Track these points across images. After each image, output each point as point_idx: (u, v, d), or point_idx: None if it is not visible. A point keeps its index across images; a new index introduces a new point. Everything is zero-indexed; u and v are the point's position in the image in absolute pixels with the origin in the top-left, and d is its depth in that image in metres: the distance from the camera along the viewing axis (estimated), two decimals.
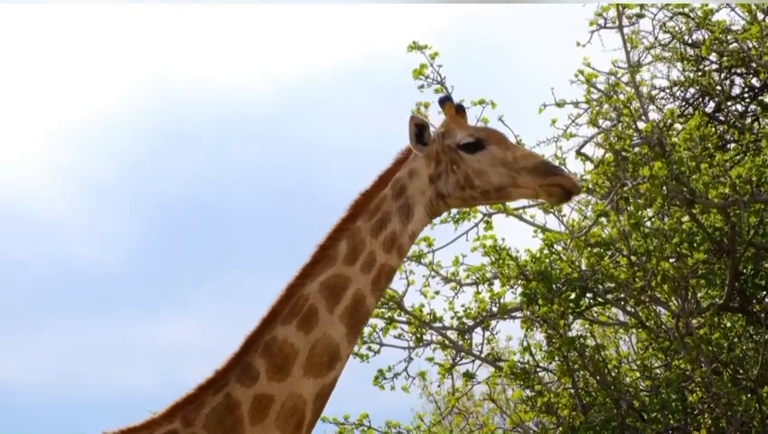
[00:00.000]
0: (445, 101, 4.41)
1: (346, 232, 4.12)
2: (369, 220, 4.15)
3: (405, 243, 4.20)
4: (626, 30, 8.69)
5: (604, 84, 8.69)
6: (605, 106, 8.41)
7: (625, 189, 7.90)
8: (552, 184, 4.18)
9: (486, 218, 8.70)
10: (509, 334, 8.88)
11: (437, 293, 8.89)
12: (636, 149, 7.97)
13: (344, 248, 4.09)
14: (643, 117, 8.46)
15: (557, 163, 7.80)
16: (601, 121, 8.44)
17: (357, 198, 4.23)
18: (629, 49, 8.65)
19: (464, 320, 8.84)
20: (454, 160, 4.25)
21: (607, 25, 8.68)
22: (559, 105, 8.79)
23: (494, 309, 8.79)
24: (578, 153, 8.24)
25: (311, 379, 3.96)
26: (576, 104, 8.79)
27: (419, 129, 4.28)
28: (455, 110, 4.39)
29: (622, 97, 8.47)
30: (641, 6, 9.37)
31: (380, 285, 4.14)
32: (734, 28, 9.65)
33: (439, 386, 9.30)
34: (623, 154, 7.84)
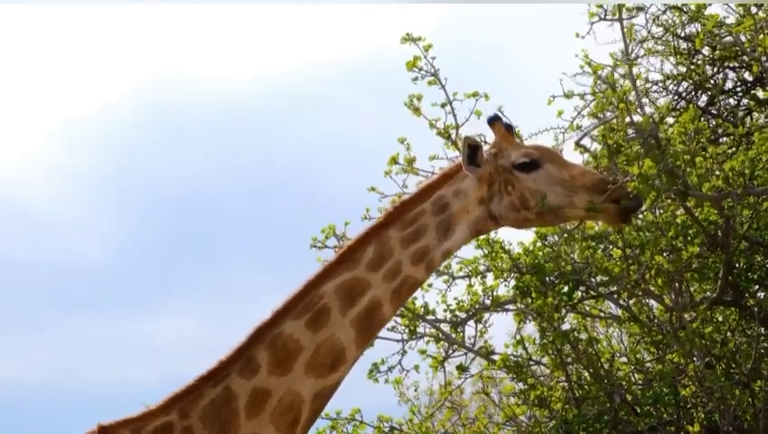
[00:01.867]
0: (495, 120, 4.28)
1: (376, 238, 4.07)
2: (403, 230, 4.08)
3: (436, 259, 4.13)
4: (625, 22, 8.64)
5: (606, 76, 8.65)
6: (606, 98, 8.36)
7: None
8: (608, 200, 4.08)
9: None
10: (505, 328, 8.85)
11: (430, 286, 8.86)
12: (631, 143, 7.93)
13: (371, 253, 4.04)
14: (638, 111, 8.43)
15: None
16: (601, 114, 8.39)
17: (395, 206, 4.17)
18: (627, 41, 8.60)
19: (457, 313, 8.81)
20: (509, 181, 4.15)
21: (607, 17, 8.64)
22: (568, 96, 8.72)
23: (487, 302, 8.76)
24: (577, 144, 8.18)
25: (311, 378, 3.93)
26: (582, 96, 8.75)
27: (472, 150, 4.16)
28: (505, 129, 4.28)
29: (617, 89, 8.43)
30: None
31: (402, 295, 4.08)
32: (727, 21, 9.64)
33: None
34: (617, 147, 7.79)
